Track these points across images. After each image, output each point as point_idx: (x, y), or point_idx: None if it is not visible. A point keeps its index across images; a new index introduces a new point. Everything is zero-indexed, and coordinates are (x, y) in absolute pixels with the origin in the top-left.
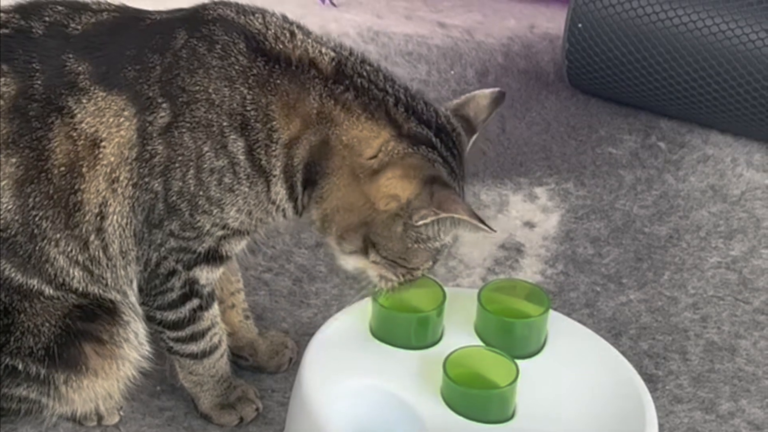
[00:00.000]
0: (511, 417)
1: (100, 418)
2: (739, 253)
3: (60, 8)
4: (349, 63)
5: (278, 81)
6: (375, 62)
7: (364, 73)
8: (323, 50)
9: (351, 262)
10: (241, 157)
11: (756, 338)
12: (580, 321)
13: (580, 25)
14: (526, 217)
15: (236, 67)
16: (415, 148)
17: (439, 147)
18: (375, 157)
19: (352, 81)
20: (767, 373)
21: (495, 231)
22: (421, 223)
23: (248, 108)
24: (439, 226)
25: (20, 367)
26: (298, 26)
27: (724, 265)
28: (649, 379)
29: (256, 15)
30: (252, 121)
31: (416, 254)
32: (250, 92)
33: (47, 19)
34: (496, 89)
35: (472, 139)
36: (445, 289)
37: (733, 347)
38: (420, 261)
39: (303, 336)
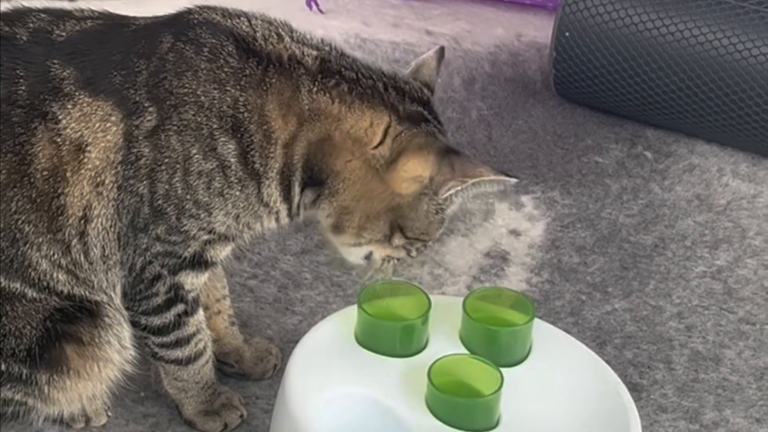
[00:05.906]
0: (496, 425)
1: (87, 419)
2: (725, 263)
3: (43, 15)
4: (333, 58)
5: (273, 80)
6: (349, 53)
7: (347, 65)
8: (306, 50)
9: (362, 252)
10: (233, 160)
11: (741, 348)
12: (565, 329)
13: (567, 34)
14: (511, 226)
15: (226, 70)
16: (418, 127)
17: (430, 118)
18: (382, 143)
19: (341, 74)
20: (751, 383)
21: (518, 178)
22: (448, 194)
23: (241, 110)
24: (462, 192)
25: (3, 367)
26: (282, 26)
27: (710, 274)
28: (634, 389)
29: (242, 18)
30: (246, 123)
31: (434, 225)
32: (243, 94)
33: (31, 25)
34: (437, 47)
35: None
36: (430, 297)
37: (718, 357)
38: (435, 231)
39: (288, 343)
